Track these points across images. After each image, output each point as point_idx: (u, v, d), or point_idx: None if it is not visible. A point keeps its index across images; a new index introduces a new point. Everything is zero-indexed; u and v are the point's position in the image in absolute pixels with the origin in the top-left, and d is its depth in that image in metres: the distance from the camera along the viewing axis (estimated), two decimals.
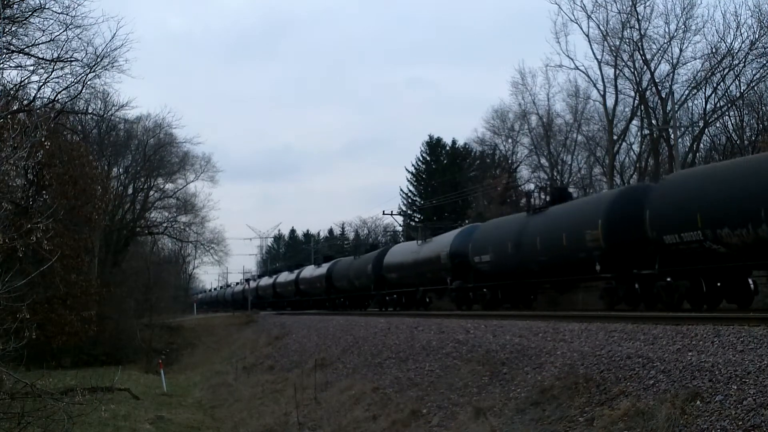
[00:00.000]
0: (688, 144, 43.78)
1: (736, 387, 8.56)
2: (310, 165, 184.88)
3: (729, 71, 40.57)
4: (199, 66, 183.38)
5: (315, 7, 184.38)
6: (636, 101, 44.46)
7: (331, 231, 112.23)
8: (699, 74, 42.11)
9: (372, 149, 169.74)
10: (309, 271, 55.46)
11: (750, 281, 17.87)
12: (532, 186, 57.76)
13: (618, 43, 43.50)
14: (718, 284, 17.98)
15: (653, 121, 44.16)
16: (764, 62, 39.38)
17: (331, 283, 47.55)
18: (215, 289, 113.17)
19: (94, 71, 28.95)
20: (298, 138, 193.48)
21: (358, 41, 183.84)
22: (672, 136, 39.08)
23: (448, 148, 68.41)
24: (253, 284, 75.81)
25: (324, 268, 49.55)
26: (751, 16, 56.83)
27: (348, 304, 45.68)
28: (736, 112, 42.53)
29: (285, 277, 63.00)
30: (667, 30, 42.40)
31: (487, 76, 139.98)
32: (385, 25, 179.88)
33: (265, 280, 72.05)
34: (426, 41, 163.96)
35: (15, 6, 24.34)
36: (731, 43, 40.39)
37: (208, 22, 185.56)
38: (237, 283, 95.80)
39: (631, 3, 42.52)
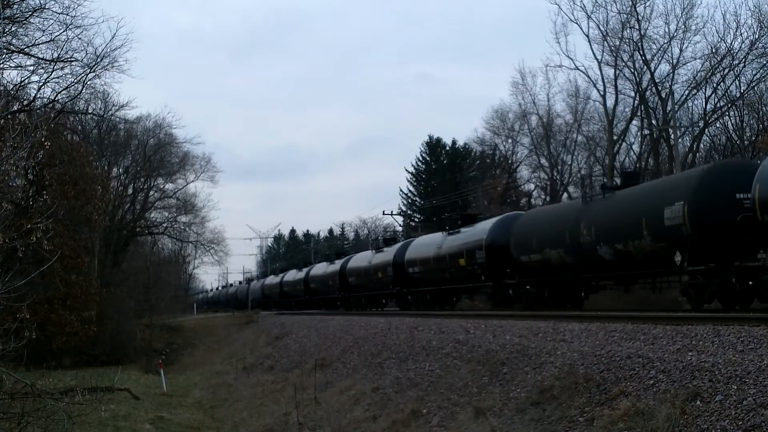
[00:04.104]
0: (688, 144, 43.83)
1: (736, 387, 8.56)
2: (315, 164, 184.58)
3: (729, 71, 40.60)
4: (205, 63, 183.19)
5: (322, 3, 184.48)
6: (636, 101, 44.48)
7: (331, 231, 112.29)
8: (699, 74, 42.19)
9: (375, 148, 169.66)
10: (422, 247, 34.42)
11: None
12: (532, 186, 57.98)
13: (618, 43, 43.54)
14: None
15: (653, 121, 44.17)
16: (764, 62, 39.43)
17: (508, 254, 25.34)
18: (217, 288, 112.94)
19: (94, 71, 29.04)
20: (304, 136, 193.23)
21: (361, 39, 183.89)
22: (672, 136, 39.10)
23: (447, 148, 68.43)
24: (298, 275, 57.20)
25: (484, 228, 27.72)
26: (751, 16, 56.73)
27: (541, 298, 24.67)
28: (736, 112, 42.59)
29: (363, 259, 42.43)
30: (667, 30, 42.45)
31: (487, 76, 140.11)
32: (388, 24, 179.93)
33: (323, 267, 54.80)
34: (427, 41, 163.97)
35: (15, 6, 24.39)
36: (731, 44, 40.46)
37: (215, 18, 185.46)
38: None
39: (631, 3, 42.54)
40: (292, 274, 58.46)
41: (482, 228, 27.60)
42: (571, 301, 23.25)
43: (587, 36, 44.60)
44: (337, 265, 44.67)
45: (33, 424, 11.86)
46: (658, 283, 20.50)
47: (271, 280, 68.03)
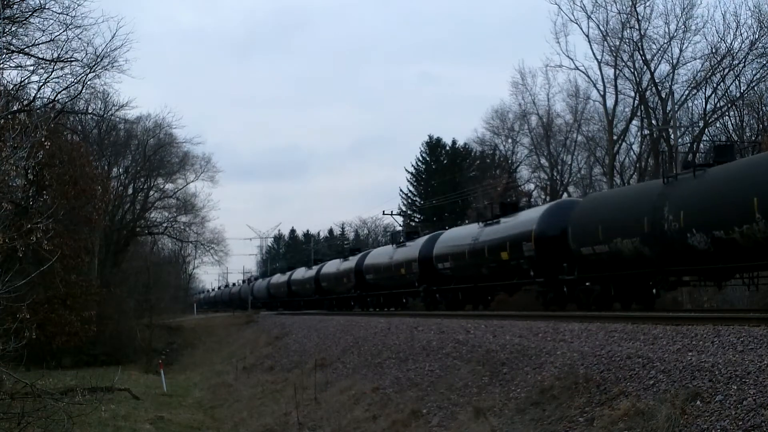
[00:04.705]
0: (688, 144, 43.83)
1: (736, 387, 8.56)
2: (316, 164, 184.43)
3: (729, 71, 40.64)
4: (206, 63, 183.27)
5: (324, 3, 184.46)
6: (636, 101, 44.49)
7: (331, 231, 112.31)
8: (699, 74, 42.22)
9: (375, 148, 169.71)
10: (453, 240, 31.60)
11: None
12: (532, 186, 57.97)
13: (618, 43, 43.56)
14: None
15: (653, 121, 44.19)
16: (764, 62, 39.47)
17: (563, 246, 22.38)
18: (219, 288, 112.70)
19: (94, 71, 29.07)
20: (305, 136, 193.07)
21: (362, 39, 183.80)
22: (672, 136, 39.11)
23: (447, 148, 68.49)
24: (308, 273, 54.18)
25: (531, 217, 25.01)
26: (751, 16, 56.81)
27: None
28: (736, 112, 42.62)
29: (382, 255, 39.78)
30: (667, 30, 42.49)
31: (487, 76, 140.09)
32: (389, 24, 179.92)
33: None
34: (428, 41, 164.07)
35: (15, 6, 24.38)
36: (731, 44, 40.51)
37: (217, 17, 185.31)
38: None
39: (631, 3, 42.56)
40: (302, 273, 56.02)
41: (529, 217, 24.57)
42: (640, 300, 20.39)
43: (587, 36, 44.68)
44: (353, 261, 42.00)
45: (33, 424, 11.87)
46: (755, 278, 17.47)
47: (278, 278, 65.06)
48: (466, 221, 47.89)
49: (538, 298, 23.76)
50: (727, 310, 19.90)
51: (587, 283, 21.38)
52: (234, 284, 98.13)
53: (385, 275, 36.81)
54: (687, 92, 42.71)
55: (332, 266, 47.28)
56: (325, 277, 47.65)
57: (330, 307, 46.91)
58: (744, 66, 40.17)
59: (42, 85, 27.67)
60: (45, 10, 25.11)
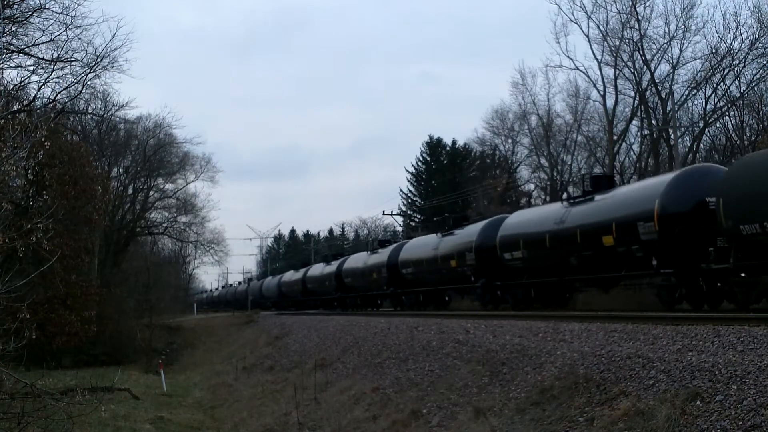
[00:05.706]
0: (688, 144, 43.88)
1: (736, 387, 8.57)
2: (317, 164, 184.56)
3: (729, 71, 40.73)
4: (206, 63, 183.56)
5: (324, 3, 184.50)
6: (636, 101, 44.57)
7: (331, 231, 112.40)
8: (699, 74, 42.32)
9: (376, 148, 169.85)
10: (525, 225, 27.15)
11: None
12: (532, 186, 58.03)
13: (618, 43, 43.68)
14: None
15: (653, 121, 44.24)
16: (764, 62, 39.54)
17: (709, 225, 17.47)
18: (222, 287, 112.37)
19: (94, 71, 29.08)
20: (306, 136, 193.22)
21: (362, 39, 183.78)
22: (672, 136, 39.11)
23: (448, 148, 68.55)
24: (327, 269, 49.56)
25: (654, 185, 20.40)
26: (751, 16, 56.88)
27: None
28: (736, 112, 42.70)
29: (424, 246, 35.47)
30: (667, 30, 42.61)
31: (487, 76, 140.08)
32: (389, 24, 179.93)
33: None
34: (428, 41, 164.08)
35: (15, 6, 24.39)
36: (731, 44, 40.62)
37: (217, 17, 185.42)
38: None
39: (631, 3, 42.66)
40: (319, 268, 51.24)
41: (645, 190, 19.51)
42: None
43: (587, 36, 44.82)
44: (384, 254, 37.23)
45: (33, 424, 11.87)
46: None
47: (291, 276, 60.01)
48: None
49: (659, 294, 18.41)
50: (727, 310, 19.83)
51: (742, 275, 15.97)
52: (240, 283, 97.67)
53: (427, 269, 31.93)
54: (687, 92, 42.86)
55: (358, 260, 42.07)
56: (349, 272, 42.41)
57: (354, 307, 42.35)
58: (744, 66, 40.34)
59: (42, 85, 27.72)
60: (45, 10, 25.15)
